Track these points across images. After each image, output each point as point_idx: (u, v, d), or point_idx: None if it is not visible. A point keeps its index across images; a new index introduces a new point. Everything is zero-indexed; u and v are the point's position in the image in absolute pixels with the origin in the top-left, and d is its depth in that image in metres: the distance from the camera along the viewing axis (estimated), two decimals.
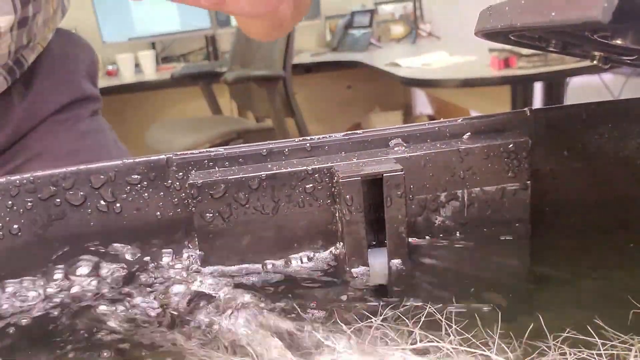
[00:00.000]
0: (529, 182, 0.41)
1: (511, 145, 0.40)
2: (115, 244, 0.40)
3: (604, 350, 0.28)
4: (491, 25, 0.31)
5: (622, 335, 0.29)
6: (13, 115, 0.63)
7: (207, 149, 0.40)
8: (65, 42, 0.71)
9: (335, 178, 0.38)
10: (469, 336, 0.30)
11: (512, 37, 0.35)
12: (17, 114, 0.63)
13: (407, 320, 0.32)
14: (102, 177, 0.39)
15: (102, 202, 0.40)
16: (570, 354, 0.28)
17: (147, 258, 0.41)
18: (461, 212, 0.41)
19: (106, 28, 2.89)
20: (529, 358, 0.29)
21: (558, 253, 0.39)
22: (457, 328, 0.31)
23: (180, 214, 0.40)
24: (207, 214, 0.39)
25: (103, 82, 2.61)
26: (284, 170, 0.39)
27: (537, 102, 2.30)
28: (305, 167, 0.39)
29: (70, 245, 0.40)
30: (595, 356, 0.28)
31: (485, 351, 0.29)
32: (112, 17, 2.89)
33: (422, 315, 0.32)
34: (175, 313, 0.36)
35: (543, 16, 0.25)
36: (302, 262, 0.40)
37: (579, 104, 0.42)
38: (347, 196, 0.37)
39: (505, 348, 0.29)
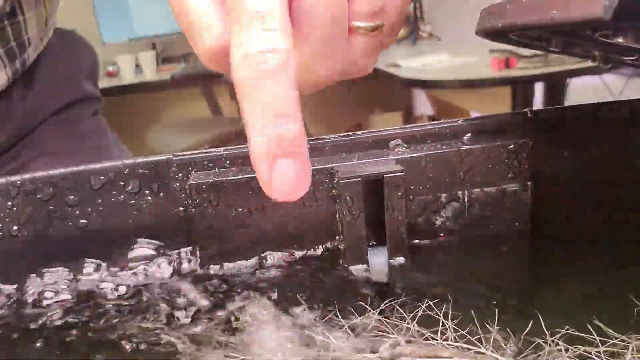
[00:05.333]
0: (529, 182, 0.41)
1: (512, 146, 0.40)
2: (114, 245, 0.40)
3: (602, 348, 0.28)
4: (492, 25, 0.31)
5: (621, 335, 0.29)
6: (14, 115, 0.63)
7: (207, 150, 0.40)
8: (66, 42, 0.71)
9: (336, 179, 0.38)
10: (465, 333, 0.30)
11: (512, 37, 0.35)
12: (17, 114, 0.63)
13: (405, 315, 0.32)
14: (102, 177, 0.39)
15: (102, 203, 0.40)
16: (566, 351, 0.28)
17: (146, 258, 0.41)
18: (461, 213, 0.41)
19: (106, 29, 2.89)
20: (525, 354, 0.29)
21: (558, 253, 0.39)
22: (454, 326, 0.31)
23: (180, 215, 0.40)
24: (207, 215, 0.39)
25: (103, 83, 2.61)
26: None
27: (538, 102, 2.30)
28: None
29: (69, 245, 0.40)
30: (592, 354, 0.28)
31: (481, 348, 0.29)
32: (112, 18, 2.89)
33: (420, 311, 0.32)
34: (175, 313, 0.36)
35: (544, 14, 0.25)
36: (301, 262, 0.40)
37: (580, 104, 0.42)
38: (347, 197, 0.37)
39: (503, 345, 0.29)
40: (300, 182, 0.25)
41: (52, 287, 0.39)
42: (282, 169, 0.25)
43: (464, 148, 0.40)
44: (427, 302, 0.33)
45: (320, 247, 0.41)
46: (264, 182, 0.25)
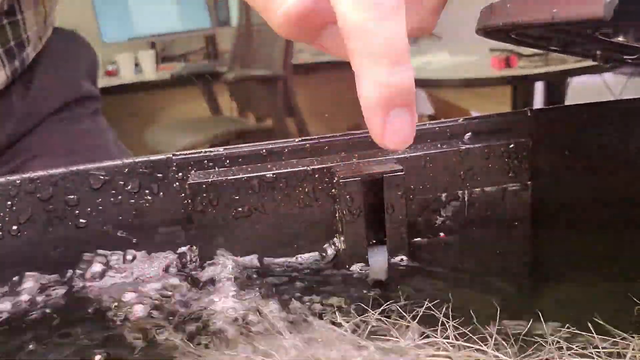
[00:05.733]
0: (529, 182, 0.41)
1: (512, 146, 0.40)
2: (115, 245, 0.40)
3: (602, 347, 0.28)
4: (492, 23, 0.31)
5: (622, 333, 0.29)
6: (13, 114, 0.63)
7: (207, 149, 0.40)
8: (65, 41, 0.71)
9: (335, 178, 0.38)
10: (466, 331, 0.30)
11: (513, 36, 0.35)
12: (17, 114, 0.63)
13: (405, 314, 0.32)
14: (101, 177, 0.39)
15: (102, 202, 0.40)
16: (567, 350, 0.28)
17: (146, 259, 0.41)
18: (462, 212, 0.41)
19: (106, 27, 2.89)
20: (526, 353, 0.29)
21: (558, 252, 0.39)
22: (455, 324, 0.31)
23: (180, 214, 0.40)
24: (207, 214, 0.39)
25: (103, 82, 2.61)
26: (284, 170, 0.39)
27: (538, 102, 2.30)
28: (305, 167, 0.39)
29: (69, 245, 0.40)
30: (593, 353, 0.28)
31: (482, 346, 0.29)
32: (111, 17, 2.89)
33: (420, 311, 0.32)
34: (175, 312, 0.36)
35: (545, 13, 0.25)
36: (301, 262, 0.40)
37: (580, 104, 0.42)
38: (347, 197, 0.37)
39: (504, 343, 0.29)
40: (412, 131, 0.25)
41: (51, 287, 0.39)
42: (397, 119, 0.24)
43: (464, 147, 0.40)
44: (427, 301, 0.33)
45: (320, 246, 0.40)
46: (376, 131, 0.24)
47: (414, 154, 0.40)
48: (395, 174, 0.37)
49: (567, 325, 0.30)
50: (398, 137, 0.25)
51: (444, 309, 0.32)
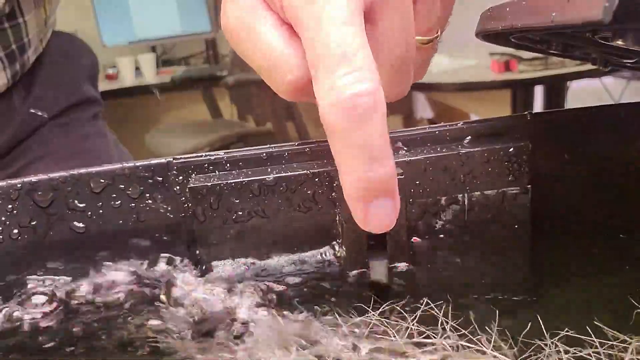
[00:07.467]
0: (529, 185, 0.41)
1: (511, 149, 0.40)
2: (115, 248, 0.40)
3: (602, 349, 0.28)
4: (492, 27, 0.31)
5: (621, 335, 0.29)
6: (14, 118, 0.63)
7: (207, 153, 0.40)
8: (66, 45, 0.71)
9: (335, 182, 0.38)
10: (466, 332, 0.30)
11: (512, 39, 0.35)
12: (18, 117, 0.64)
13: (405, 315, 0.32)
14: (102, 180, 0.39)
15: (103, 206, 0.40)
16: (566, 352, 0.28)
17: (147, 262, 0.41)
18: (461, 216, 0.41)
19: (106, 31, 2.89)
20: (525, 355, 0.29)
21: (558, 256, 0.39)
22: (454, 325, 0.31)
23: (180, 218, 0.40)
24: (208, 218, 0.39)
25: (103, 86, 2.61)
26: (284, 174, 0.39)
27: (538, 105, 2.30)
28: (305, 171, 0.39)
29: (70, 249, 0.40)
30: (592, 354, 0.28)
31: (481, 347, 0.29)
32: (112, 21, 2.89)
33: (419, 311, 0.32)
34: (174, 316, 0.36)
35: (544, 17, 0.25)
36: (301, 265, 0.40)
37: (580, 107, 0.42)
38: None
39: (503, 345, 0.29)
40: (394, 216, 0.25)
41: (51, 289, 0.39)
42: (378, 209, 0.25)
43: (463, 151, 0.40)
44: (427, 302, 0.33)
45: (320, 250, 0.41)
46: (359, 219, 0.25)
47: (414, 157, 0.40)
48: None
49: (566, 328, 0.30)
50: (379, 224, 0.26)
51: (442, 310, 0.32)
